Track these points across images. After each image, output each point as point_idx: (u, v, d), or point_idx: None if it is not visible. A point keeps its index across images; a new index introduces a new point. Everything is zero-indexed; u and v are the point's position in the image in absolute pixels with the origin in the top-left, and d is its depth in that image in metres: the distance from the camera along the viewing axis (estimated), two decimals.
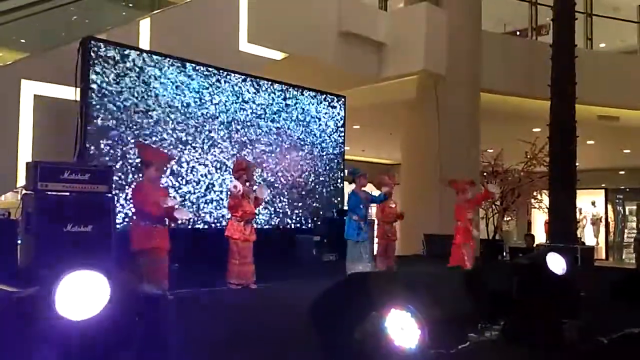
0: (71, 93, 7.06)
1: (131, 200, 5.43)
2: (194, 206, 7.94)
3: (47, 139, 7.12)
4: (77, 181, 5.53)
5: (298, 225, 9.53)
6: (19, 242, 5.60)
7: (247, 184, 6.19)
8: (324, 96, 10.08)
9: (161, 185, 5.49)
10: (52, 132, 7.18)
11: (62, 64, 7.16)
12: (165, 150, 7.07)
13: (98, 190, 5.68)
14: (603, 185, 20.10)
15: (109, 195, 5.81)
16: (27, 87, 7.16)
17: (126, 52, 7.45)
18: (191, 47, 8.29)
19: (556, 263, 3.58)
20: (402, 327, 2.40)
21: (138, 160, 5.53)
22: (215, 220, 8.15)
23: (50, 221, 5.30)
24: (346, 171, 7.83)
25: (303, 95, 9.73)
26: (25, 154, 7.00)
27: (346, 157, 10.98)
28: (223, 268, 6.02)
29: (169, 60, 7.87)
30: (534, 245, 11.41)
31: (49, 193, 5.44)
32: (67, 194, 5.54)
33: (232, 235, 5.99)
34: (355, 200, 7.41)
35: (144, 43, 8.11)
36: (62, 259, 4.81)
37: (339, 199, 10.26)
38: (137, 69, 7.53)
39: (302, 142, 9.68)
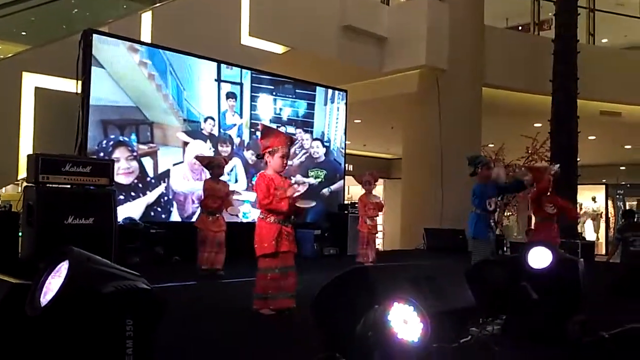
0: (72, 86, 7.06)
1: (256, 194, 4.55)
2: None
3: (48, 132, 7.12)
4: (79, 173, 5.56)
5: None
6: (20, 234, 5.61)
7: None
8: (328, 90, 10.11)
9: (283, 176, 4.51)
10: (53, 124, 7.18)
11: (64, 57, 7.15)
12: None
13: (99, 183, 5.71)
14: (604, 180, 20.10)
15: (111, 187, 5.82)
16: (28, 79, 7.16)
17: None
18: (193, 40, 8.28)
19: (541, 257, 3.57)
20: (405, 320, 2.39)
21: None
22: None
23: (51, 214, 5.32)
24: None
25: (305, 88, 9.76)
26: (26, 146, 7.01)
27: (347, 151, 10.99)
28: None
29: None
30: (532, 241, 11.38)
31: (50, 185, 5.45)
32: (69, 186, 5.56)
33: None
34: (481, 192, 6.13)
35: (146, 36, 8.10)
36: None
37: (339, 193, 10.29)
38: None
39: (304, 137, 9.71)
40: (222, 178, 6.58)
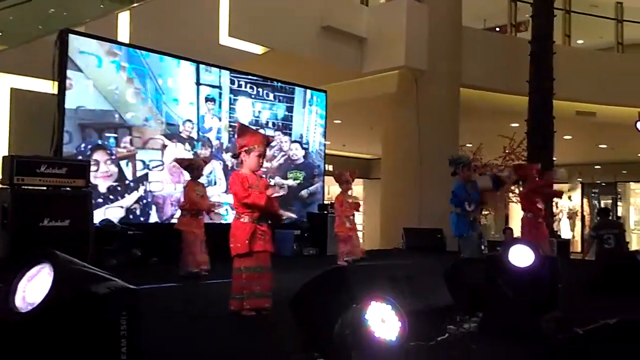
0: (49, 86, 6.97)
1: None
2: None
3: (24, 133, 7.02)
4: (54, 175, 5.48)
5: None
6: None
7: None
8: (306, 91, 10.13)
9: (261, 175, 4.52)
10: (29, 126, 7.08)
11: (40, 57, 7.06)
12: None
13: (75, 185, 5.63)
14: (579, 179, 20.40)
15: (87, 189, 5.76)
16: (3, 80, 7.05)
17: None
18: (171, 40, 8.22)
19: (522, 255, 3.62)
20: (382, 319, 2.41)
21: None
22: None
23: (26, 216, 5.24)
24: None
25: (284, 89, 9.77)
26: (1, 147, 6.90)
27: (327, 151, 11.00)
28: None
29: None
30: (513, 239, 11.53)
31: (25, 187, 5.37)
32: (44, 188, 5.48)
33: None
34: (460, 192, 6.26)
35: (123, 36, 8.03)
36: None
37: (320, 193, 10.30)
38: None
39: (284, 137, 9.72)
40: (200, 180, 6.55)
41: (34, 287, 2.27)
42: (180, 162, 6.75)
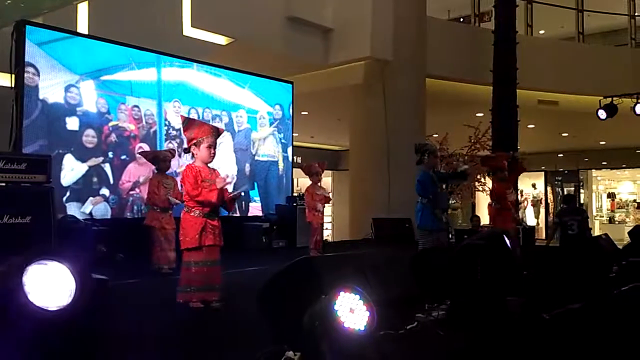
0: (6, 80, 6.76)
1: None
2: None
3: None
4: (13, 171, 5.31)
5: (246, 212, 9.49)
6: None
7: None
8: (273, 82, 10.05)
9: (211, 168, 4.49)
10: None
11: None
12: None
13: (36, 180, 5.48)
14: (543, 167, 20.80)
15: (48, 185, 5.61)
16: None
17: None
18: (132, 31, 8.04)
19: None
20: (351, 309, 2.40)
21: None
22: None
23: None
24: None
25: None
26: None
27: (295, 143, 10.96)
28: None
29: None
30: (480, 227, 11.70)
31: None
32: (3, 184, 5.32)
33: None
34: (425, 181, 6.11)
35: (82, 27, 7.82)
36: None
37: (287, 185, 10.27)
38: None
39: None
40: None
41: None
42: (145, 154, 6.63)
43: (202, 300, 4.24)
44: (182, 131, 4.80)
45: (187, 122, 4.62)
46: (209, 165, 4.43)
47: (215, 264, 4.31)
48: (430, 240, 5.95)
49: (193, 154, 4.40)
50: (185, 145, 4.65)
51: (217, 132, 4.59)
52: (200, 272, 4.23)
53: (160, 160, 6.25)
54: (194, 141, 4.36)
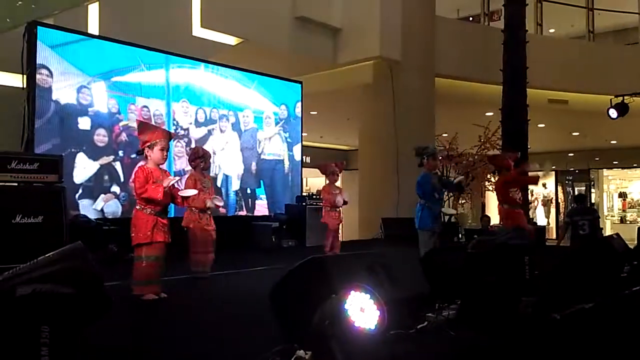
0: (18, 80, 6.81)
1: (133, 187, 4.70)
2: None
3: None
4: (26, 171, 5.38)
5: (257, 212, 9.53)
6: None
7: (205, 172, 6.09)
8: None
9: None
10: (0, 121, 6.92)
11: (8, 51, 6.88)
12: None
13: (48, 180, 5.53)
14: (553, 167, 20.68)
15: (60, 184, 5.65)
16: None
17: None
18: (142, 31, 8.09)
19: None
20: (361, 308, 2.41)
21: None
22: None
23: None
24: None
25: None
26: None
27: (304, 143, 10.97)
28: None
29: None
30: (490, 227, 11.66)
31: None
32: (15, 184, 5.37)
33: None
34: (425, 183, 6.19)
35: (93, 28, 7.87)
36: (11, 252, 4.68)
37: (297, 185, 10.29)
38: None
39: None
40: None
41: None
42: (192, 153, 6.35)
43: (155, 293, 4.51)
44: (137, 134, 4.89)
45: (142, 126, 4.83)
46: (160, 167, 4.65)
47: (160, 259, 4.55)
48: (427, 241, 6.00)
49: (146, 156, 4.59)
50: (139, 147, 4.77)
51: (169, 136, 4.81)
52: (151, 266, 4.48)
53: (202, 157, 5.95)
54: (148, 144, 4.56)
